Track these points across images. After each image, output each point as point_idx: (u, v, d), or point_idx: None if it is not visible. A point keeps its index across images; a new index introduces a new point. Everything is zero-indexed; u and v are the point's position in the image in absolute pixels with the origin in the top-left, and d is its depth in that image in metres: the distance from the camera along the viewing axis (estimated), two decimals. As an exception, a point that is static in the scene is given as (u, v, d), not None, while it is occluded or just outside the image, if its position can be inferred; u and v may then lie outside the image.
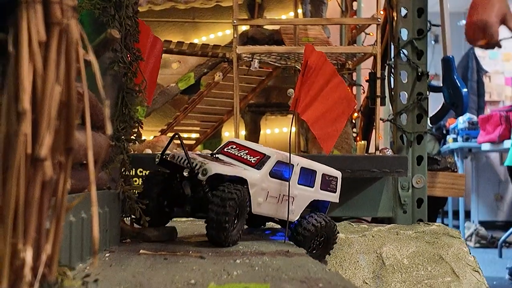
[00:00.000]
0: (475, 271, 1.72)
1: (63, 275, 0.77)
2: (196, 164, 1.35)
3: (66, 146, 0.71)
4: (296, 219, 1.52)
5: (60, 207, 0.71)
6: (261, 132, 3.53)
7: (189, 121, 3.14)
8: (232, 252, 1.24)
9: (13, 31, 0.66)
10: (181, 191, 1.40)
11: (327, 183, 1.58)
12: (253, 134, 3.43)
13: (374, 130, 2.54)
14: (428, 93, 2.28)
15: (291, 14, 3.35)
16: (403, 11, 2.30)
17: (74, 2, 0.69)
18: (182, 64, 3.44)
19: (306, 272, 1.02)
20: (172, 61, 3.42)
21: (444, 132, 6.53)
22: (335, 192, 1.60)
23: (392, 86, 2.34)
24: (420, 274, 1.69)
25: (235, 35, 2.22)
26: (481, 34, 2.09)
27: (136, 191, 1.39)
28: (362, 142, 2.68)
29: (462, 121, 6.01)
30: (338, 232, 1.58)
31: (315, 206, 1.58)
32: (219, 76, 2.90)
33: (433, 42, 7.46)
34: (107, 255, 1.18)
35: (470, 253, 1.78)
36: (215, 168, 1.34)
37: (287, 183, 1.45)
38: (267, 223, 1.69)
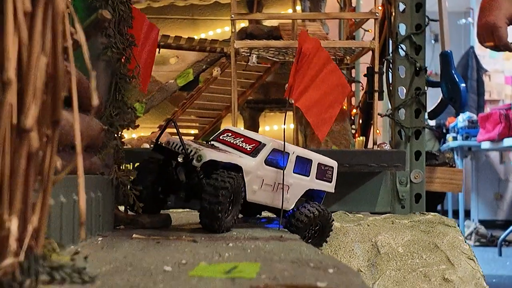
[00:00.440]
0: (470, 259, 1.71)
1: (51, 250, 0.76)
2: (191, 150, 1.35)
3: (53, 119, 0.71)
4: (291, 207, 1.51)
5: (47, 180, 0.71)
6: (260, 129, 3.52)
7: (187, 117, 3.14)
8: (225, 237, 1.24)
9: (-1, 1, 0.66)
10: (175, 177, 1.39)
11: (323, 173, 1.57)
12: (252, 130, 3.41)
13: (372, 126, 2.53)
14: (426, 88, 2.27)
15: (290, 11, 3.35)
16: (401, 6, 2.29)
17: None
18: (181, 61, 3.43)
19: (298, 254, 1.01)
20: (170, 56, 3.41)
21: (444, 130, 6.52)
22: (331, 181, 1.60)
23: (390, 81, 2.33)
24: (415, 262, 1.69)
25: (233, 30, 2.21)
26: (490, 37, 2.06)
27: (131, 177, 1.39)
28: (361, 138, 2.67)
29: (462, 120, 6.01)
30: (333, 221, 1.57)
31: (311, 195, 1.57)
32: (217, 71, 2.89)
33: (433, 41, 7.46)
34: (99, 239, 1.18)
35: (465, 242, 1.77)
36: (210, 154, 1.33)
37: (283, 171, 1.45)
38: (262, 212, 1.69)
